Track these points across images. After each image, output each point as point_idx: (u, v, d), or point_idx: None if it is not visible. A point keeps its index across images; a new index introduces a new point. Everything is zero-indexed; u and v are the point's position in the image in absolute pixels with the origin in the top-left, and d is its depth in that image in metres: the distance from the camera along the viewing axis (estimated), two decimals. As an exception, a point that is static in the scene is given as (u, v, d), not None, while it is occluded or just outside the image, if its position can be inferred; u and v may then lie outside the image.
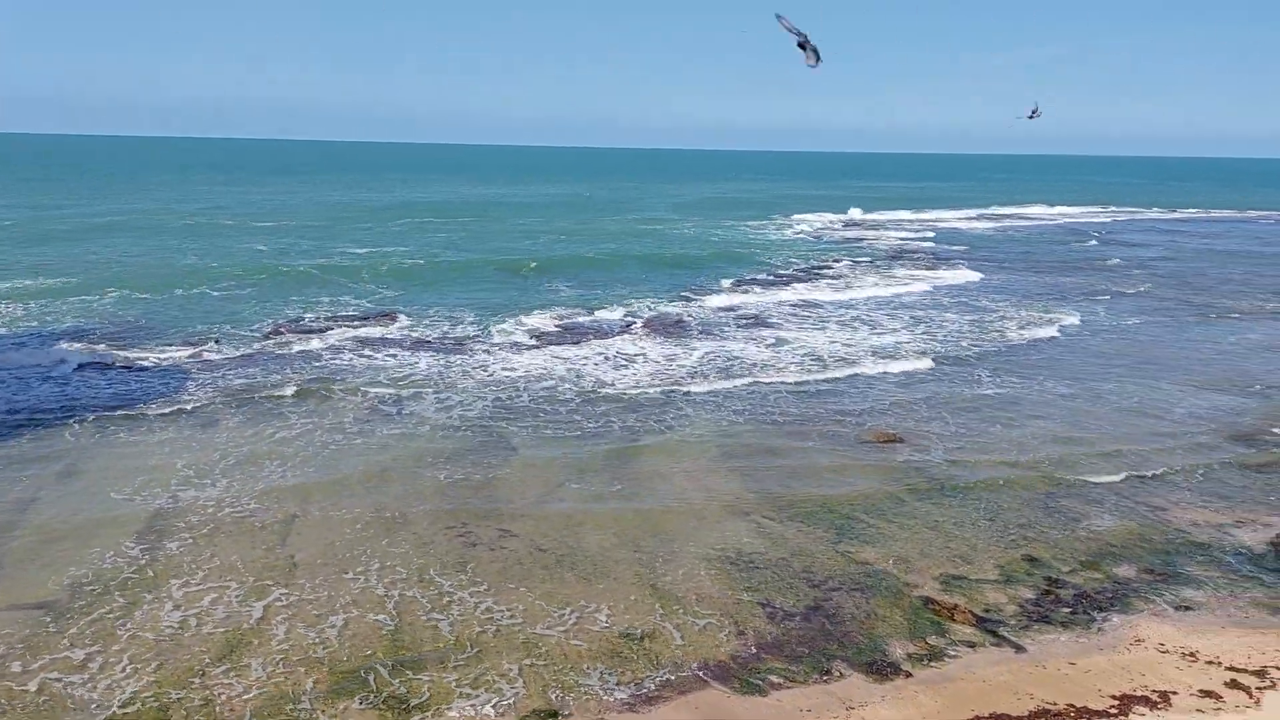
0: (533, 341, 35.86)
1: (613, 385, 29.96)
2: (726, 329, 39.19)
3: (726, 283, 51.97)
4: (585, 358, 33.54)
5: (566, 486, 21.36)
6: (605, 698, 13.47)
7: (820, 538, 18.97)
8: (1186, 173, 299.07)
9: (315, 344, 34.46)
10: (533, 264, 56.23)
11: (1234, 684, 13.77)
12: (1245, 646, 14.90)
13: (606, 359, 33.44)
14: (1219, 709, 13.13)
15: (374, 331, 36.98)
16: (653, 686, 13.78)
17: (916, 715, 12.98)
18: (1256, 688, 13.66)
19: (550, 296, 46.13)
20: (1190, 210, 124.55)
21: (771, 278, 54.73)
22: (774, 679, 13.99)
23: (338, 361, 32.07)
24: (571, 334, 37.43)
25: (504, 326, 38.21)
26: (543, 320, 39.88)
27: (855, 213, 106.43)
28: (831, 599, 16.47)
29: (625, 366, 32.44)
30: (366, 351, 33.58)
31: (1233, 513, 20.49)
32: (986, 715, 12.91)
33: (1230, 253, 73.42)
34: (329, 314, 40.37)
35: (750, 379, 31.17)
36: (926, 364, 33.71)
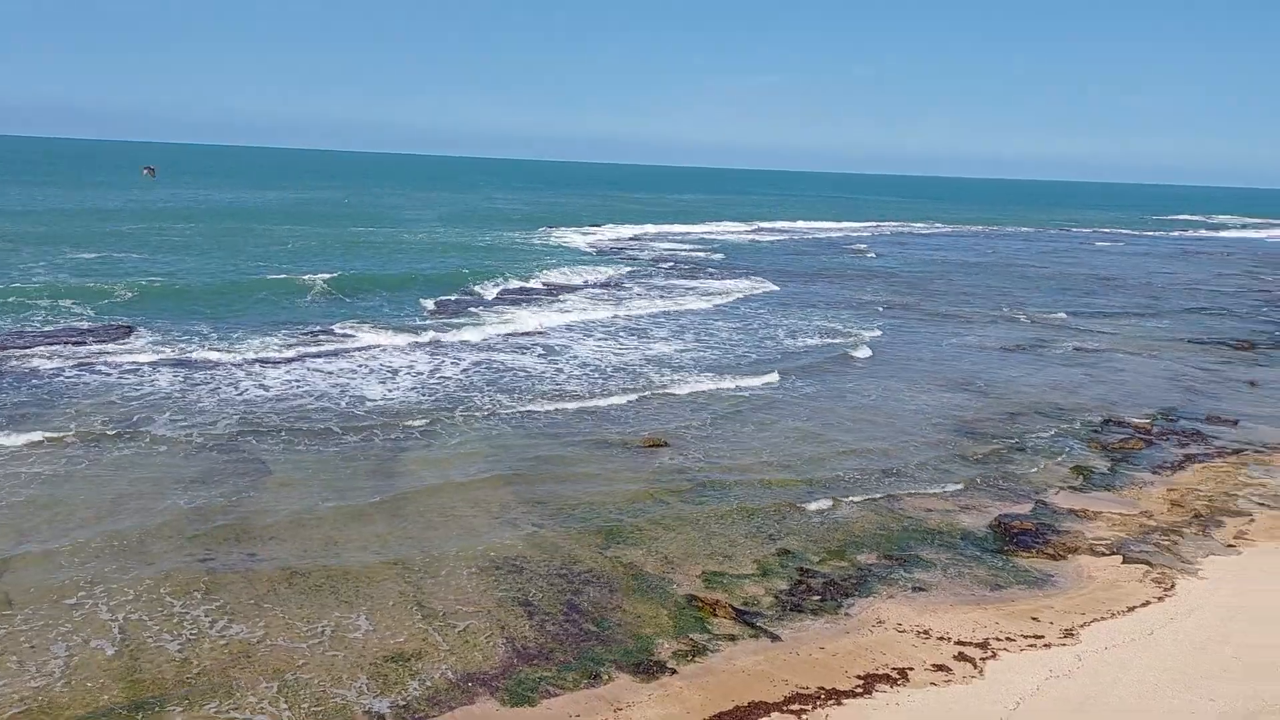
0: (288, 355, 34.06)
1: (376, 399, 28.99)
2: (495, 340, 38.94)
3: (494, 293, 51.67)
4: (346, 371, 32.26)
5: (324, 505, 20.43)
6: (369, 722, 12.96)
7: (589, 543, 19.17)
8: (926, 191, 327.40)
9: (38, 362, 31.16)
10: (287, 274, 53.53)
11: (961, 656, 15.08)
12: (970, 622, 16.37)
13: (370, 372, 32.33)
14: (949, 680, 14.33)
15: (106, 347, 33.89)
16: (420, 705, 13.40)
17: (681, 712, 13.35)
18: (980, 658, 15.03)
19: (307, 309, 44.09)
20: (936, 225, 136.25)
21: (541, 288, 54.94)
22: (544, 688, 13.97)
23: (62, 380, 29.14)
24: (330, 348, 35.88)
25: (255, 340, 36.07)
26: (298, 334, 37.98)
27: (625, 225, 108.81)
28: (600, 603, 16.67)
29: (389, 379, 31.49)
30: (99, 368, 30.73)
31: (958, 500, 22.52)
32: (746, 704, 13.48)
33: (958, 263, 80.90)
34: (51, 328, 36.64)
35: (519, 388, 31.10)
36: (690, 370, 34.91)
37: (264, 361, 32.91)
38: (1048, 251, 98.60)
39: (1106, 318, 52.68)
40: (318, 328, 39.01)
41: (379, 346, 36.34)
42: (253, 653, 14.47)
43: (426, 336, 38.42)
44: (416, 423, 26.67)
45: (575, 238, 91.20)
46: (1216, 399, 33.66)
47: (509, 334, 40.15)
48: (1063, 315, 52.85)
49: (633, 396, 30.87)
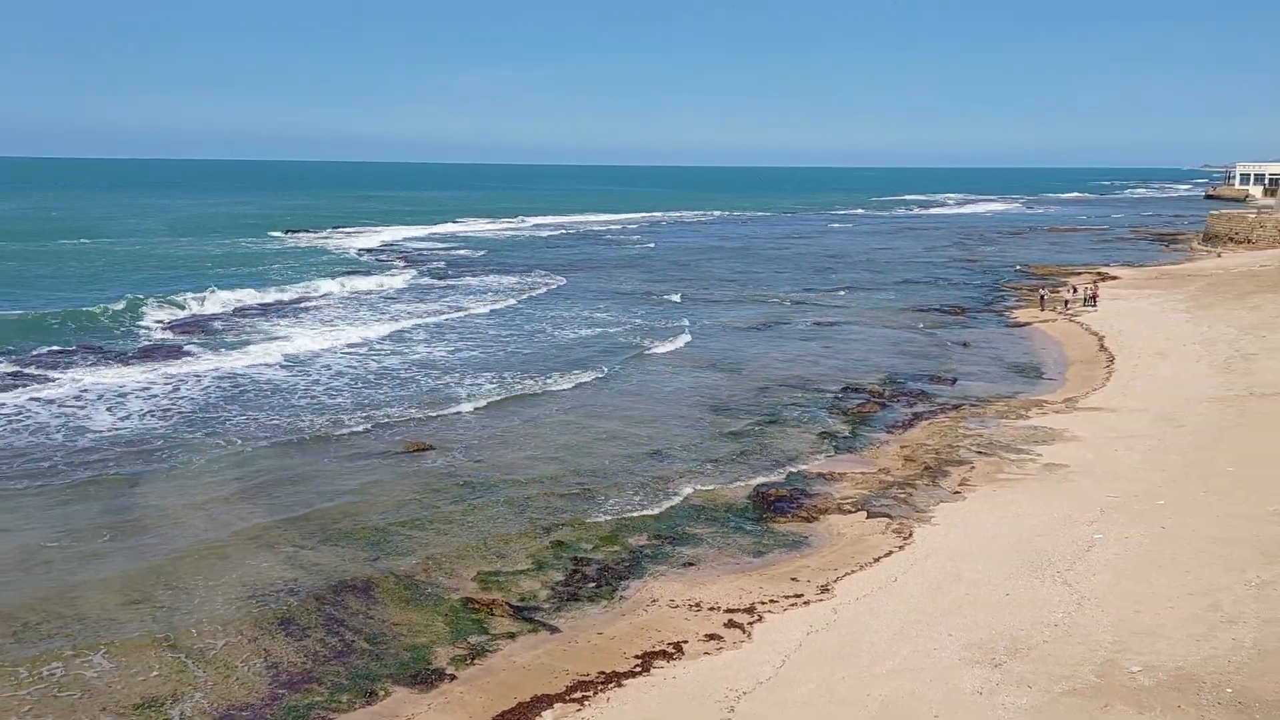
0: (-4, 386, 30.50)
1: (105, 429, 26.52)
2: (234, 349, 36.61)
3: (234, 305, 48.49)
4: (67, 400, 29.28)
5: (52, 547, 18.48)
6: (120, 779, 11.87)
7: (355, 557, 18.48)
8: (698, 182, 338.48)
9: None
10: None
11: (731, 623, 15.79)
12: (737, 590, 17.17)
13: (97, 399, 29.51)
14: (721, 648, 14.97)
15: None
16: (178, 753, 12.42)
17: (463, 717, 13.16)
18: (748, 623, 15.80)
19: (15, 335, 39.62)
20: (660, 213, 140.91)
21: (289, 297, 52.17)
22: (316, 713, 13.34)
23: None
24: (46, 377, 32.46)
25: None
26: (5, 365, 34.12)
27: (377, 226, 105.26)
28: (371, 617, 16.12)
29: (119, 406, 28.89)
30: None
31: (717, 476, 23.53)
32: (529, 699, 13.48)
33: (707, 249, 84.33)
34: None
35: (268, 404, 29.45)
36: (450, 371, 34.36)
37: (-35, 396, 29.30)
38: (788, 234, 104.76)
39: (839, 293, 56.68)
40: (28, 356, 35.13)
41: (104, 371, 33.21)
42: (-27, 723, 12.88)
43: (158, 356, 35.56)
44: (154, 449, 24.67)
45: (324, 241, 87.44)
46: (936, 360, 37.08)
47: (254, 347, 37.86)
48: (801, 293, 56.37)
49: (392, 402, 30.01)
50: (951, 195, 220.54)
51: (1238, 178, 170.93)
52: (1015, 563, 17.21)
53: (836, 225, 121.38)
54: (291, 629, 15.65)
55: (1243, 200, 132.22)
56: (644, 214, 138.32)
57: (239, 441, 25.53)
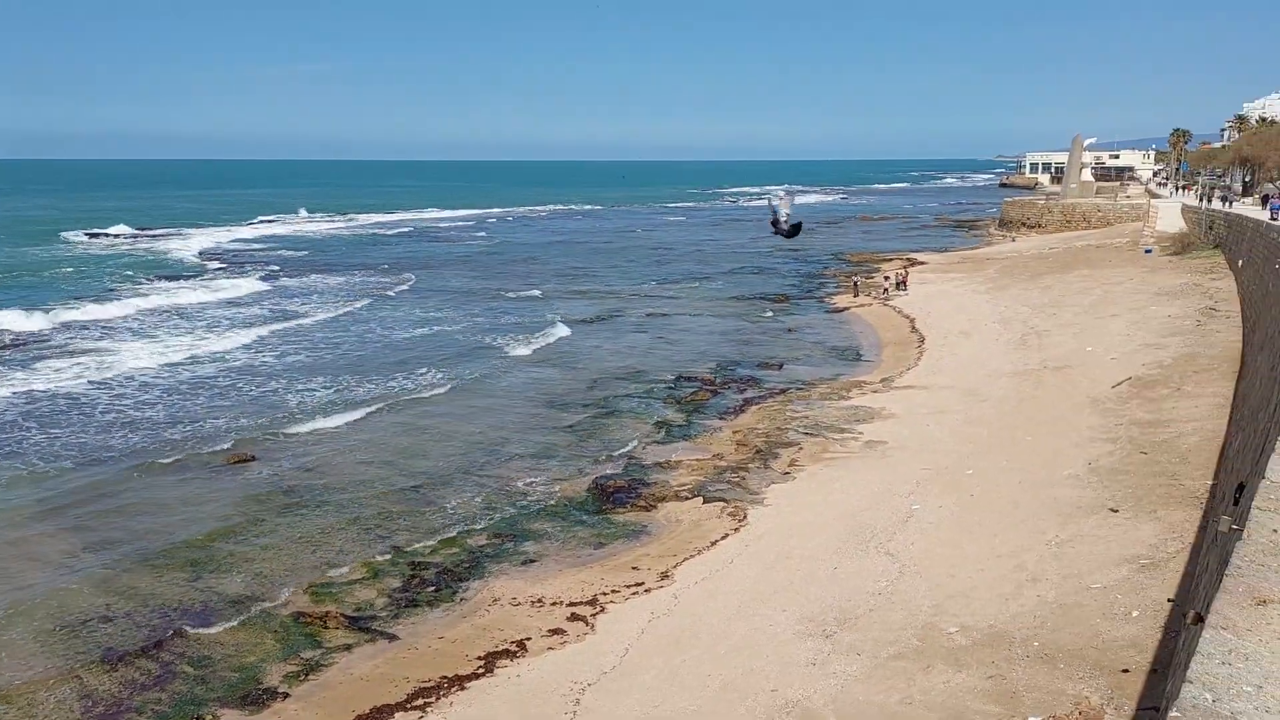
0: None
1: (-123, 453, 24.01)
2: (29, 366, 33.82)
3: (24, 315, 44.73)
4: None
5: None
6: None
7: (174, 578, 17.46)
8: (489, 175, 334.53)
9: None
10: None
11: (574, 616, 15.85)
12: (580, 583, 17.24)
13: None
14: (565, 642, 15.01)
15: None
16: (-21, 805, 11.42)
17: (300, 734, 12.68)
18: (591, 615, 15.89)
19: None
20: (481, 210, 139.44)
21: (89, 307, 48.57)
22: (138, 746, 12.55)
23: None
24: None
25: None
26: None
27: (185, 228, 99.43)
28: (195, 640, 15.27)
29: (-107, 428, 26.20)
30: None
31: (556, 470, 23.54)
32: (368, 711, 13.11)
33: (539, 245, 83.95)
34: None
35: (65, 416, 27.38)
36: (275, 376, 32.91)
37: None
38: (618, 228, 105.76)
39: (670, 284, 57.71)
40: None
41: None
42: None
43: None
44: (-63, 475, 22.51)
45: (130, 244, 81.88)
46: (764, 347, 38.33)
47: (55, 362, 35.08)
48: (633, 285, 57.06)
49: (211, 414, 28.48)
50: (771, 187, 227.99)
51: (1028, 167, 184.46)
52: (842, 537, 18.02)
53: (665, 218, 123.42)
54: (107, 659, 14.64)
55: (1033, 188, 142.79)
56: (477, 210, 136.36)
57: (39, 463, 23.63)
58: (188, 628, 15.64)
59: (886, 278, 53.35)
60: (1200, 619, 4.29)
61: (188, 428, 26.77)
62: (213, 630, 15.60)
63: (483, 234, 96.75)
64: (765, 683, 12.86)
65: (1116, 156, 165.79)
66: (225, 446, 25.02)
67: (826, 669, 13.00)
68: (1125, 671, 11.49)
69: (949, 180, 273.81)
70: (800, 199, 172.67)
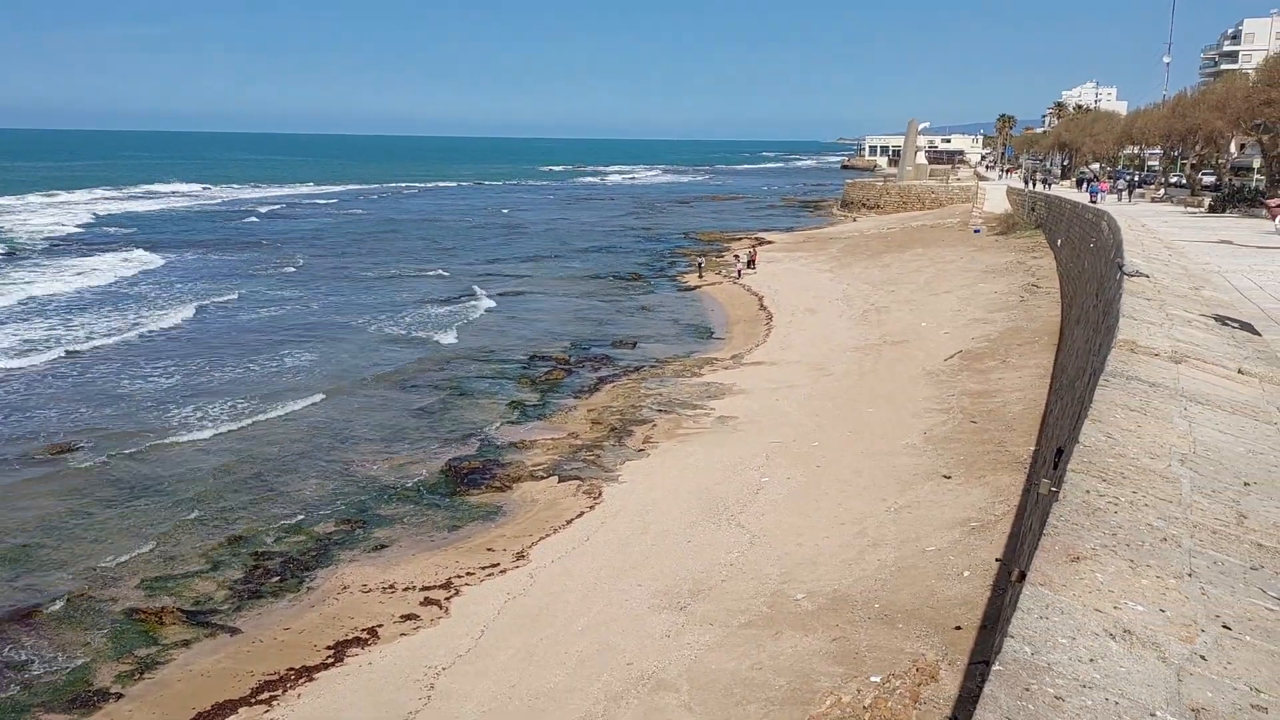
0: None
1: None
2: None
3: None
4: None
5: None
6: None
7: (-10, 579, 16.21)
8: (336, 150, 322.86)
9: None
10: None
11: (427, 601, 15.60)
12: (434, 567, 16.97)
13: None
14: (418, 627, 14.76)
15: None
16: None
17: (135, 737, 12.04)
18: (445, 599, 15.68)
19: None
20: (343, 186, 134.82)
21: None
22: (-50, 762, 11.64)
23: None
24: None
25: None
26: None
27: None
28: (14, 644, 14.23)
29: None
30: None
31: (407, 454, 23.06)
32: (209, 708, 12.57)
33: (374, 223, 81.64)
34: None
35: None
36: (88, 359, 30.91)
37: None
38: (468, 207, 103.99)
39: (522, 263, 57.24)
40: None
41: None
42: None
43: None
44: None
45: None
46: (618, 325, 38.55)
47: None
48: (485, 264, 56.30)
49: (17, 398, 26.52)
50: (616, 166, 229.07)
51: (867, 149, 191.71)
52: (696, 511, 18.38)
53: (514, 196, 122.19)
54: (-90, 671, 13.49)
55: (872, 170, 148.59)
56: (312, 186, 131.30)
57: None
58: (6, 628, 14.57)
59: (736, 256, 54.51)
60: (1023, 577, 4.57)
61: (8, 416, 24.86)
62: (35, 632, 14.58)
63: (323, 212, 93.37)
64: (621, 657, 13.02)
65: (948, 140, 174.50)
66: (43, 436, 23.35)
67: (680, 640, 13.26)
68: (958, 629, 12.18)
69: (804, 162, 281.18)
70: (643, 178, 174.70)
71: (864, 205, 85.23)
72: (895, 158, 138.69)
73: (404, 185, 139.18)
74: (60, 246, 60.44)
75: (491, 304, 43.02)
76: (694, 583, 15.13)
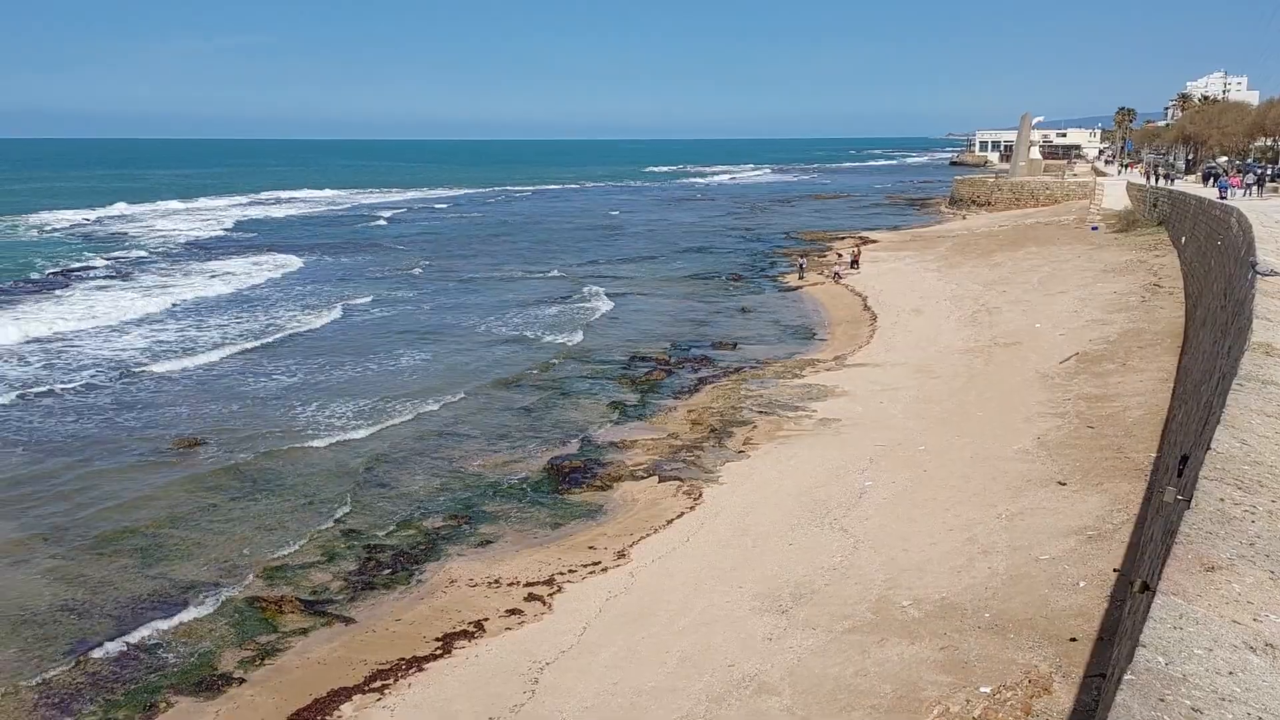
0: None
1: None
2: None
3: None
4: None
5: None
6: None
7: (126, 566, 17.14)
8: (441, 155, 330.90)
9: None
10: None
11: (531, 597, 15.84)
12: (537, 563, 17.22)
13: None
14: (523, 622, 15.00)
15: None
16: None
17: (256, 719, 12.54)
18: (548, 595, 15.89)
19: None
20: (457, 190, 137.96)
21: (22, 285, 47.36)
22: (88, 736, 12.34)
23: None
24: None
25: None
26: None
27: (120, 206, 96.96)
28: (146, 627, 15.01)
29: None
30: None
31: (510, 452, 23.45)
32: (326, 694, 13.01)
33: (483, 225, 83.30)
34: None
35: (9, 401, 26.69)
36: (219, 360, 32.37)
37: None
38: (568, 210, 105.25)
39: (622, 263, 57.60)
40: None
41: None
42: None
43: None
44: (-128, 464, 21.85)
45: (67, 221, 79.78)
46: (718, 326, 38.45)
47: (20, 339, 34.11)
48: (586, 266, 56.86)
49: (153, 395, 27.94)
50: (720, 166, 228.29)
51: (978, 145, 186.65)
52: (797, 513, 18.20)
53: (616, 198, 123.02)
54: (54, 650, 14.35)
55: (983, 166, 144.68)
56: (418, 191, 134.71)
57: (-23, 449, 23.03)
58: (139, 615, 15.38)
59: (839, 256, 53.75)
60: (1147, 587, 4.39)
61: (132, 411, 26.24)
62: (165, 616, 15.34)
63: (429, 216, 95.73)
64: (722, 658, 12.98)
65: (1064, 135, 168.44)
66: (173, 429, 24.55)
67: (783, 643, 13.14)
68: (1073, 640, 11.76)
69: (907, 159, 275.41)
70: (744, 177, 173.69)
71: (974, 202, 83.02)
72: (1007, 153, 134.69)
73: (514, 188, 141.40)
74: (206, 250, 63.47)
75: (593, 305, 43.36)
76: (796, 586, 14.98)
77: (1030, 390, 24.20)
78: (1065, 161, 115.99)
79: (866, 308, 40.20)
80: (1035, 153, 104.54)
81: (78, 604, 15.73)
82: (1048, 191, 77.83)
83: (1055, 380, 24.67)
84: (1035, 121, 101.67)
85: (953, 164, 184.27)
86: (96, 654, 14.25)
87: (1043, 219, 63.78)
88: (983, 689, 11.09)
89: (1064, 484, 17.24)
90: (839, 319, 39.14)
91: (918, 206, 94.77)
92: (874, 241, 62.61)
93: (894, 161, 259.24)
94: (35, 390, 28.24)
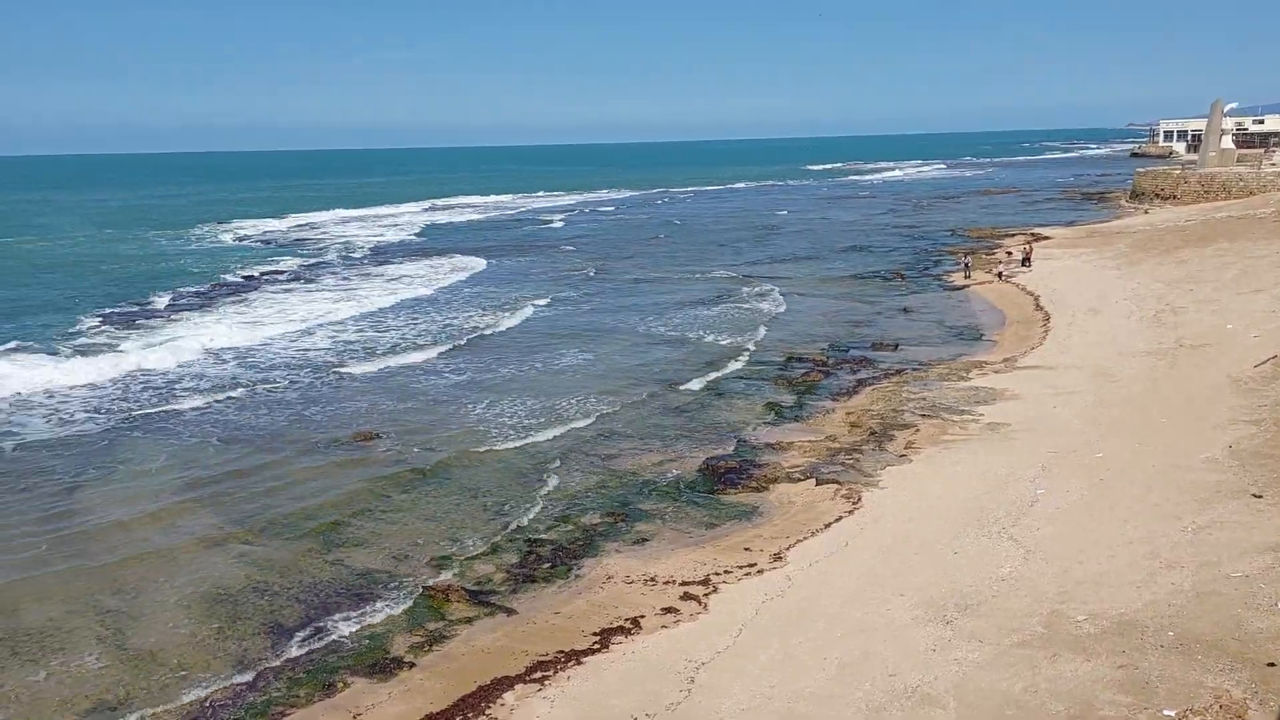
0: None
1: (40, 427, 25.82)
2: (170, 348, 35.70)
3: (167, 301, 47.39)
4: (1, 404, 28.40)
5: (-10, 558, 17.96)
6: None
7: (306, 550, 18.26)
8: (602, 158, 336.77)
9: None
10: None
11: (687, 596, 15.92)
12: (692, 562, 17.30)
13: (34, 402, 28.66)
14: (678, 620, 15.10)
15: None
16: (134, 758, 12.22)
17: (424, 703, 13.12)
18: (704, 595, 15.93)
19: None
20: (621, 192, 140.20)
21: (224, 289, 51.12)
22: (275, 709, 13.22)
23: None
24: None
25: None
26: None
27: (309, 215, 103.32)
28: (326, 611, 15.95)
29: (56, 404, 28.11)
30: None
31: (666, 451, 23.62)
32: (489, 682, 13.48)
33: (643, 226, 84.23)
34: None
35: (205, 399, 28.87)
36: (392, 355, 34.00)
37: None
38: (725, 208, 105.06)
39: (780, 264, 57.05)
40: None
41: (40, 374, 32.12)
42: (-84, 741, 12.55)
43: (90, 355, 34.60)
44: (91, 451, 24.07)
45: (258, 229, 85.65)
46: (878, 327, 37.54)
47: (192, 342, 36.95)
48: (743, 266, 56.63)
49: (333, 391, 29.62)
50: (880, 162, 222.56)
51: (1161, 135, 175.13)
52: (962, 521, 17.58)
53: (771, 197, 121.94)
54: (244, 626, 15.45)
55: (1167, 157, 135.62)
56: (580, 194, 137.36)
57: (180, 440, 25.02)
58: (320, 598, 16.36)
59: (1009, 253, 51.49)
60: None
61: (311, 408, 27.90)
62: (342, 600, 16.26)
63: (593, 218, 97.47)
64: (883, 667, 12.68)
65: (1261, 122, 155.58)
66: (350, 425, 25.95)
67: (947, 655, 12.72)
68: (1271, 665, 10.90)
69: (1073, 151, 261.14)
70: (906, 173, 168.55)
71: (1157, 196, 77.87)
72: (1194, 143, 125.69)
73: (675, 189, 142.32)
74: (388, 254, 66.82)
75: (749, 305, 43.15)
76: (961, 596, 14.47)
77: (1220, 395, 22.54)
78: (1262, 151, 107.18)
79: (1039, 307, 38.38)
80: (1227, 141, 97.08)
81: (266, 585, 16.87)
82: (1241, 183, 72.14)
83: (1249, 385, 22.88)
84: (1229, 108, 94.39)
85: (1133, 155, 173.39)
86: (280, 633, 15.23)
87: (1235, 213, 59.18)
88: (1166, 712, 10.42)
89: (1259, 496, 15.97)
90: (1009, 319, 37.53)
91: (1095, 201, 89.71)
92: (1047, 238, 59.68)
93: (1070, 154, 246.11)
94: (229, 387, 30.42)
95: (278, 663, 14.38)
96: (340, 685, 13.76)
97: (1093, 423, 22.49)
